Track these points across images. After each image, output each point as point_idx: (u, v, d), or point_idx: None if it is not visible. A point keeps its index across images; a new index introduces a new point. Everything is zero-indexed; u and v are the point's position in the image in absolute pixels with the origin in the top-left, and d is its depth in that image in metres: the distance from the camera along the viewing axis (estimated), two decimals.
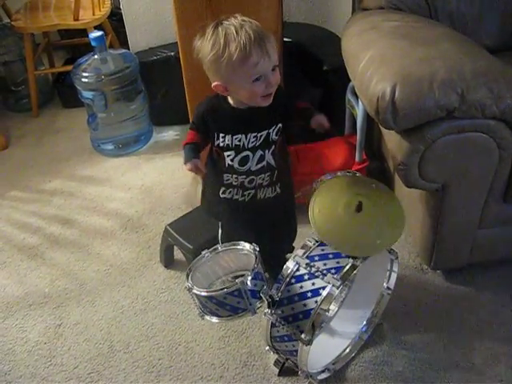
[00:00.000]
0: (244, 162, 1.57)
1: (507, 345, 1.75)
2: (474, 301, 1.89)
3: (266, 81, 1.43)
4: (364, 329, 1.78)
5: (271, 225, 1.75)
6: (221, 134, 1.54)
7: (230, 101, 1.53)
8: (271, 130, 1.55)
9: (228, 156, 1.57)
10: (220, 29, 1.40)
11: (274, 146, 1.57)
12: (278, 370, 1.70)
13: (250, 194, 1.65)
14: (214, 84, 1.47)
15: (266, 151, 1.57)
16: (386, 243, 1.50)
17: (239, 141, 1.54)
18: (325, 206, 1.52)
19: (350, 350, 1.74)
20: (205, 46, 1.42)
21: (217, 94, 1.54)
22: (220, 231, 1.81)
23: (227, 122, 1.53)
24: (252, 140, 1.54)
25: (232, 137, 1.53)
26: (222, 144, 1.55)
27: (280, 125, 1.56)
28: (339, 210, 1.50)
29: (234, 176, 1.60)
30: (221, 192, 1.65)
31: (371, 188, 1.60)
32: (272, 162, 1.59)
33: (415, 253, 2.05)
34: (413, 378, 1.68)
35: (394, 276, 1.74)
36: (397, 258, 1.68)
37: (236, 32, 1.38)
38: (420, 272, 2.01)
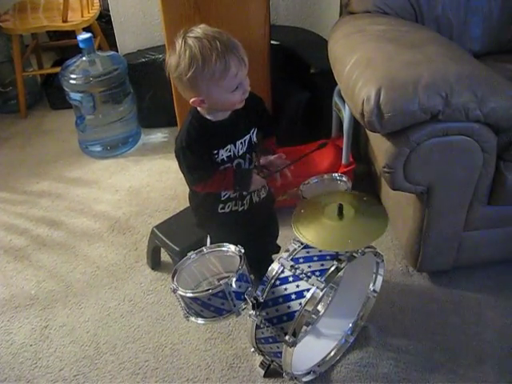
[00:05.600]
0: None
1: (492, 346, 1.76)
2: (460, 303, 1.91)
3: (243, 88, 1.45)
4: (350, 331, 1.78)
5: (262, 225, 1.77)
6: (214, 152, 1.52)
7: (207, 116, 1.51)
8: (251, 134, 1.58)
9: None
10: (192, 42, 1.37)
11: (256, 148, 1.60)
12: (263, 372, 1.70)
13: (247, 200, 1.66)
14: (192, 100, 1.45)
15: (253, 154, 1.60)
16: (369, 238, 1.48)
17: (230, 151, 1.54)
18: (307, 222, 1.52)
19: (336, 353, 1.75)
20: (181, 62, 1.38)
21: (191, 118, 1.52)
22: (209, 240, 1.81)
23: (215, 138, 1.52)
24: (240, 147, 1.56)
25: (223, 149, 1.53)
26: (215, 161, 1.54)
27: (256, 127, 1.59)
28: (321, 217, 1.49)
29: None
30: (219, 208, 1.65)
31: (354, 196, 1.61)
32: (257, 162, 1.62)
33: (401, 255, 2.07)
34: (398, 379, 1.69)
35: (379, 279, 1.75)
36: (382, 260, 1.69)
37: (210, 44, 1.36)
38: (406, 274, 2.02)
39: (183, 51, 1.37)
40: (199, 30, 1.39)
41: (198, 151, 1.49)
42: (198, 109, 1.52)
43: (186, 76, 1.39)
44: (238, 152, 1.56)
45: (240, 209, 1.66)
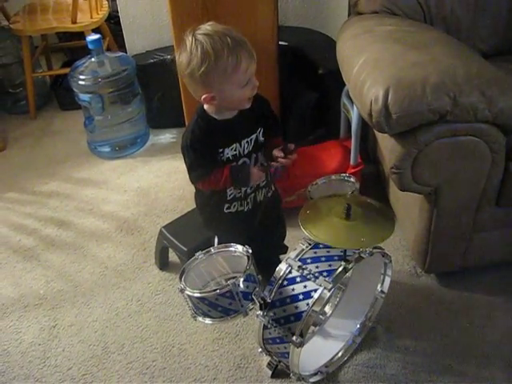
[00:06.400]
0: None
1: (500, 348, 1.75)
2: (468, 304, 1.90)
3: (252, 84, 1.46)
4: (357, 332, 1.78)
5: (269, 225, 1.77)
6: (219, 150, 1.53)
7: (214, 115, 1.52)
8: (258, 133, 1.58)
9: None
10: (202, 38, 1.38)
11: (262, 147, 1.61)
12: (270, 372, 1.70)
13: (250, 198, 1.66)
14: (203, 97, 1.45)
15: (259, 153, 1.61)
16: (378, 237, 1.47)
17: (235, 150, 1.55)
18: (314, 220, 1.51)
19: (343, 354, 1.74)
20: (193, 59, 1.38)
21: (197, 117, 1.53)
22: (216, 240, 1.81)
23: (221, 136, 1.53)
24: (246, 146, 1.56)
25: (229, 148, 1.54)
26: (220, 160, 1.55)
27: (262, 128, 1.59)
28: (330, 217, 1.49)
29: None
30: (225, 208, 1.65)
31: (360, 199, 1.61)
32: (264, 162, 1.62)
33: (409, 256, 2.06)
34: (406, 380, 1.68)
35: (387, 280, 1.75)
36: (390, 261, 1.68)
37: (221, 39, 1.37)
38: (414, 275, 2.01)
39: (195, 48, 1.38)
40: (208, 26, 1.41)
41: (200, 150, 1.51)
42: (205, 107, 1.52)
43: (199, 72, 1.39)
44: (244, 151, 1.56)
45: (245, 209, 1.67)
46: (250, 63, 1.42)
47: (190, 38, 1.39)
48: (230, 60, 1.38)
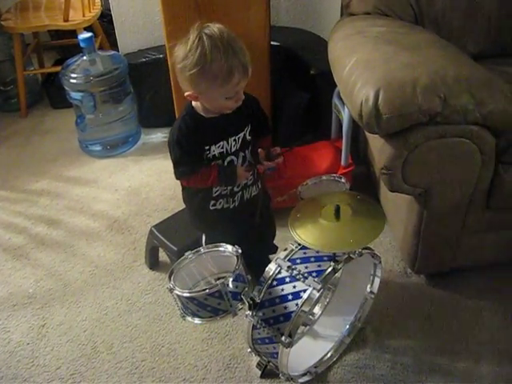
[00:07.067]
0: None
1: (489, 348, 1.76)
2: (457, 305, 1.91)
3: (237, 96, 1.46)
4: (347, 332, 1.78)
5: (258, 225, 1.77)
6: (206, 147, 1.53)
7: (201, 112, 1.52)
8: (245, 131, 1.58)
9: None
10: (206, 40, 1.37)
11: (250, 146, 1.61)
12: (260, 373, 1.70)
13: (237, 197, 1.66)
14: (187, 94, 1.46)
15: (246, 151, 1.61)
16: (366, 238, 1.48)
17: (222, 148, 1.55)
18: (304, 223, 1.52)
19: (333, 354, 1.74)
20: (189, 57, 1.38)
21: (185, 114, 1.54)
22: (204, 238, 1.81)
23: (207, 134, 1.53)
24: (233, 144, 1.56)
25: (215, 146, 1.54)
26: (206, 157, 1.55)
27: (249, 126, 1.59)
28: (318, 218, 1.49)
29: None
30: (211, 205, 1.65)
31: (350, 196, 1.61)
32: (252, 160, 1.63)
33: (399, 257, 2.06)
34: (395, 381, 1.68)
35: (377, 280, 1.75)
36: (380, 262, 1.69)
37: (224, 47, 1.37)
38: (404, 276, 2.02)
39: (195, 46, 1.38)
40: (216, 29, 1.39)
41: (186, 147, 1.51)
42: (193, 104, 1.53)
43: (190, 72, 1.39)
44: (231, 149, 1.56)
45: (231, 206, 1.66)
46: (242, 78, 1.42)
47: (195, 34, 1.39)
48: (223, 70, 1.38)
